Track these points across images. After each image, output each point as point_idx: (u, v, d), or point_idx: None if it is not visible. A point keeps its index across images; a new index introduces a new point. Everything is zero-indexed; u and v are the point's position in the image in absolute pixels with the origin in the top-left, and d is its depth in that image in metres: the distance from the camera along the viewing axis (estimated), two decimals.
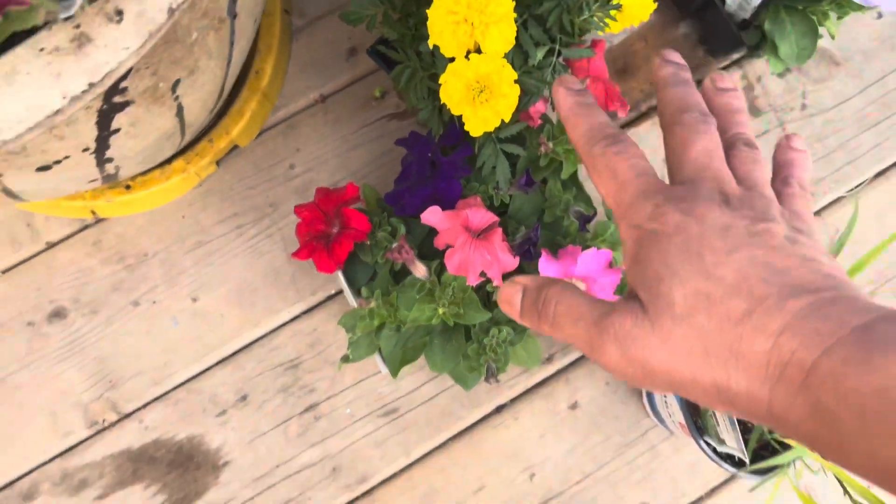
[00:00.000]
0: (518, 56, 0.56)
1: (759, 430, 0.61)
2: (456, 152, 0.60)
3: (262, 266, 0.75)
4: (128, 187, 0.72)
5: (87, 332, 0.74)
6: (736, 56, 0.80)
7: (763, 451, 0.62)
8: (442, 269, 0.58)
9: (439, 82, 0.51)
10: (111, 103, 0.44)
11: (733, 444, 0.58)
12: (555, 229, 0.63)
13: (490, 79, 0.50)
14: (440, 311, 0.58)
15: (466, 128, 0.52)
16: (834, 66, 0.81)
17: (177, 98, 0.50)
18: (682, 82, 0.29)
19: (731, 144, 0.28)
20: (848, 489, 0.58)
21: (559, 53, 0.55)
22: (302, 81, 0.78)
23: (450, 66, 0.50)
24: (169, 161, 0.72)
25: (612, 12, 0.55)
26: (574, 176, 0.63)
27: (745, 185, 0.26)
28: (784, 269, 0.23)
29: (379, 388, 0.75)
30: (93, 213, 0.74)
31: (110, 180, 0.57)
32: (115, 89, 0.42)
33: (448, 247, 0.56)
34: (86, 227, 0.75)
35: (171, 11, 0.38)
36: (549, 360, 0.76)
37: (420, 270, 0.58)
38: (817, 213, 0.80)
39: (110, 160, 0.52)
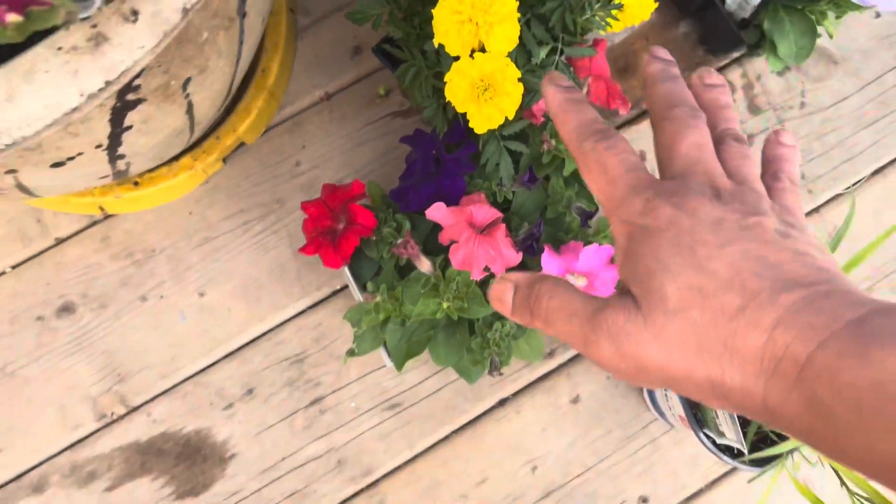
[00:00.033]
0: (521, 55, 0.57)
1: (758, 423, 0.62)
2: (460, 149, 0.61)
3: (268, 262, 0.76)
4: (136, 184, 0.73)
5: (95, 327, 0.75)
6: (736, 55, 0.81)
7: (761, 443, 0.63)
8: (446, 264, 0.59)
9: (444, 80, 0.52)
10: (124, 101, 0.45)
11: (732, 436, 0.59)
12: (557, 225, 0.64)
13: (494, 77, 0.51)
14: (445, 305, 0.59)
15: (471, 125, 0.53)
16: (832, 64, 0.82)
17: (187, 96, 0.51)
18: (670, 78, 0.29)
19: (721, 140, 0.28)
20: (845, 480, 0.59)
21: (562, 52, 0.56)
22: (307, 79, 0.79)
23: (455, 64, 0.51)
24: (176, 158, 0.73)
25: (614, 12, 0.56)
26: (576, 173, 0.65)
27: (735, 179, 0.26)
28: (776, 263, 0.23)
29: (383, 382, 0.76)
30: (101, 209, 0.75)
31: (121, 176, 0.58)
32: (128, 87, 0.43)
33: (452, 242, 0.57)
34: (94, 223, 0.76)
35: (186, 11, 0.39)
36: (551, 354, 0.77)
37: (425, 265, 0.59)
38: (816, 209, 0.81)
39: (122, 157, 0.53)
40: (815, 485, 0.71)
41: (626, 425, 0.77)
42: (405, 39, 0.61)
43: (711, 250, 0.23)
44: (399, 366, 0.63)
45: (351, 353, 0.64)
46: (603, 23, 0.56)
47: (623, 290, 0.25)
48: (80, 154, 0.48)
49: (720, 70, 0.81)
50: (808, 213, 0.81)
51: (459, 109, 0.52)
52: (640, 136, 0.79)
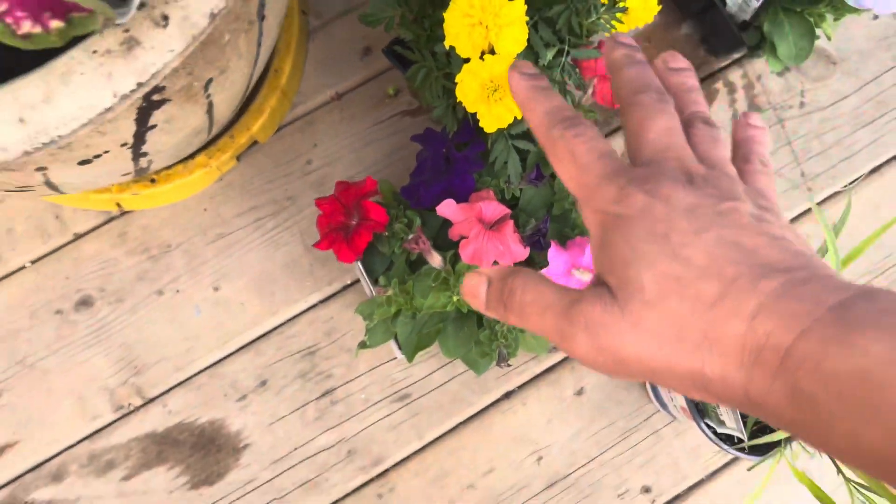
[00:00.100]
0: (529, 56, 0.59)
1: None
2: (469, 148, 0.63)
3: (281, 257, 0.78)
4: (152, 181, 0.75)
5: (112, 320, 0.77)
6: (736, 56, 0.83)
7: (761, 432, 0.65)
8: (456, 258, 0.61)
9: (455, 81, 0.54)
10: (150, 101, 0.47)
11: (732, 424, 0.61)
12: (563, 221, 0.66)
13: (504, 78, 0.53)
14: (454, 298, 0.61)
15: (481, 125, 0.55)
16: (831, 65, 0.84)
17: (208, 96, 0.53)
18: (636, 63, 0.28)
19: (690, 123, 0.27)
20: (841, 468, 0.61)
21: (568, 53, 0.58)
22: (318, 79, 0.81)
23: (465, 66, 0.53)
24: (192, 156, 0.75)
25: (619, 15, 0.58)
26: None
27: (707, 163, 0.26)
28: (753, 249, 0.22)
29: (392, 375, 0.78)
30: (118, 205, 0.77)
31: (142, 174, 0.60)
32: (155, 88, 0.45)
33: (462, 238, 0.59)
34: (112, 219, 0.78)
35: (213, 16, 0.41)
36: (556, 347, 0.79)
37: (435, 260, 0.61)
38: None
39: (145, 154, 0.55)
40: (814, 474, 0.73)
41: (628, 417, 0.79)
42: (416, 41, 0.63)
43: (687, 237, 0.23)
44: (410, 357, 0.65)
45: (363, 345, 0.66)
46: (608, 25, 0.58)
47: (598, 281, 0.25)
48: (106, 152, 0.50)
49: (721, 70, 0.83)
50: (808, 211, 0.83)
51: (470, 109, 0.54)
52: None
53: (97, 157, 0.50)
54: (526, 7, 0.53)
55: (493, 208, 0.59)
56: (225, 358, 0.77)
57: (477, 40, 0.53)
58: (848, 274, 0.79)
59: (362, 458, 0.77)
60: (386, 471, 0.77)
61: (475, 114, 0.55)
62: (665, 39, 0.83)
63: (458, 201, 0.59)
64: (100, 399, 0.76)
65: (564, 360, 0.79)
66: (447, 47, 0.54)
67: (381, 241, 0.64)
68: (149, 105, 0.48)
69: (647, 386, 0.78)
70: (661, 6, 0.62)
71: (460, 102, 0.55)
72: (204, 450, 0.76)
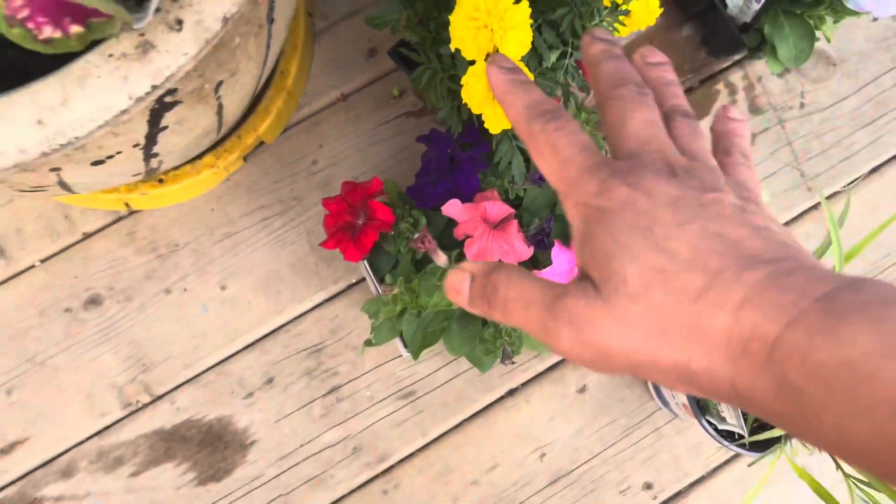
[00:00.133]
0: (533, 59, 0.60)
1: None
2: (474, 149, 0.64)
3: (287, 256, 0.79)
4: (160, 181, 0.76)
5: (121, 319, 0.78)
6: (737, 57, 0.84)
7: (761, 428, 0.66)
8: (461, 257, 0.62)
9: (460, 83, 0.55)
10: (162, 103, 0.48)
11: (733, 421, 0.62)
12: (566, 221, 0.67)
13: None
14: None
15: (486, 126, 0.56)
16: (831, 66, 0.84)
17: (219, 98, 0.54)
18: (614, 57, 0.28)
19: (670, 116, 0.27)
20: (841, 464, 0.62)
21: (571, 56, 0.59)
22: (324, 81, 0.82)
23: (471, 68, 0.54)
24: (200, 156, 0.76)
25: (621, 18, 0.59)
26: None
27: (688, 155, 0.25)
28: (737, 240, 0.22)
29: (397, 372, 0.79)
30: (127, 205, 0.78)
31: (152, 174, 0.61)
32: (168, 90, 0.46)
33: (467, 237, 0.60)
34: (120, 219, 0.79)
35: (226, 20, 0.42)
36: None
37: (441, 259, 0.62)
38: (815, 206, 0.84)
39: (156, 155, 0.56)
40: (814, 470, 0.74)
41: (630, 414, 0.80)
42: (421, 43, 0.64)
43: (670, 230, 0.23)
44: (415, 355, 0.66)
45: (368, 343, 0.67)
46: (611, 28, 0.59)
47: (582, 276, 0.24)
48: (118, 153, 0.51)
49: (722, 72, 0.84)
50: (808, 210, 0.83)
51: (475, 111, 0.55)
52: None
53: (110, 157, 0.51)
54: (530, 10, 0.53)
55: (497, 208, 0.60)
56: (232, 356, 0.78)
57: (482, 43, 0.54)
58: (846, 273, 0.80)
59: (367, 455, 0.78)
60: (391, 467, 0.78)
61: (480, 115, 0.56)
62: (666, 41, 0.84)
63: (462, 201, 0.60)
64: (108, 396, 0.77)
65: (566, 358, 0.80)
66: (452, 49, 0.55)
67: (386, 241, 0.65)
68: (161, 107, 0.48)
69: (649, 384, 0.79)
70: (662, 9, 0.63)
71: (465, 104, 0.56)
72: (211, 446, 0.77)
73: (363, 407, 0.78)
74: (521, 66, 0.54)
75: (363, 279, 0.80)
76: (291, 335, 0.79)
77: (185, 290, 0.79)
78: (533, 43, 0.57)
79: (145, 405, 0.78)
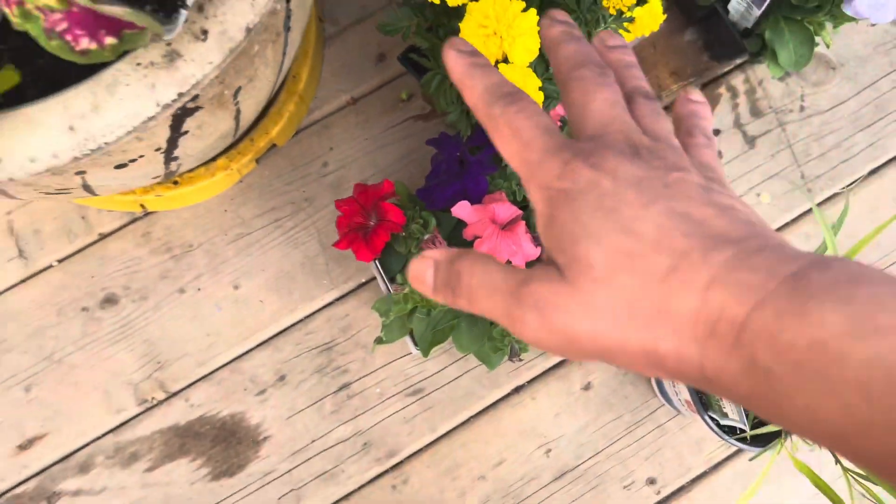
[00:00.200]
0: (540, 65, 0.61)
1: None
2: (482, 152, 0.66)
3: (299, 256, 0.81)
4: (175, 183, 0.78)
5: (136, 317, 0.80)
6: (738, 61, 0.86)
7: (763, 423, 0.68)
8: None
9: None
10: (185, 108, 0.50)
11: (735, 415, 0.64)
12: None
13: (518, 85, 0.56)
14: None
15: None
16: (830, 70, 0.86)
17: (237, 103, 0.56)
18: (574, 39, 0.28)
19: (631, 98, 0.27)
20: (840, 459, 0.64)
21: None
22: (334, 85, 0.84)
23: None
24: (214, 159, 0.77)
25: (626, 24, 0.61)
26: None
27: (650, 136, 0.25)
28: (703, 220, 0.22)
29: (406, 370, 0.81)
30: (142, 206, 0.80)
31: (170, 176, 0.63)
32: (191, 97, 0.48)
33: (476, 237, 0.62)
34: (135, 220, 0.81)
35: (249, 31, 0.43)
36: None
37: None
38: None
39: (176, 158, 0.57)
40: (813, 465, 0.76)
41: (634, 411, 0.82)
42: (431, 49, 0.66)
43: (636, 210, 0.22)
44: (425, 353, 0.67)
45: (379, 340, 0.69)
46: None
47: (547, 261, 0.24)
48: (141, 156, 0.53)
49: (724, 75, 0.86)
50: (808, 212, 0.85)
51: None
52: None
53: (132, 161, 0.53)
54: (538, 18, 0.55)
55: (505, 209, 0.62)
56: (245, 353, 0.80)
57: (491, 49, 0.56)
58: None
59: (377, 450, 0.80)
60: (400, 462, 0.80)
61: None
62: (669, 46, 0.86)
63: (472, 203, 0.62)
64: (124, 393, 0.79)
65: None
66: None
67: (397, 241, 0.67)
68: (183, 112, 0.50)
69: (653, 381, 0.81)
70: (665, 15, 0.64)
71: None
72: (225, 442, 0.79)
73: (373, 403, 0.80)
74: (529, 71, 0.57)
75: (372, 279, 0.81)
76: (303, 333, 0.81)
77: (199, 289, 0.80)
78: (541, 49, 0.59)
79: (160, 402, 0.79)
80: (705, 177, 0.24)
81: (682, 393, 0.72)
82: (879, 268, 0.20)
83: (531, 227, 0.64)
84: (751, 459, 0.64)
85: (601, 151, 0.24)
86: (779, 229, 0.85)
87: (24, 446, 0.78)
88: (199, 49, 0.43)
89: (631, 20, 0.62)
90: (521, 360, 0.66)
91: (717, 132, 0.85)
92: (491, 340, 0.67)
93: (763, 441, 0.67)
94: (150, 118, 0.43)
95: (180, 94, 0.43)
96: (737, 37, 0.79)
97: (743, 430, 0.66)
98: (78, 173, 0.52)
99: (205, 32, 0.43)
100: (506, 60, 0.57)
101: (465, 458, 0.80)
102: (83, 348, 0.79)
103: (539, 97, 0.56)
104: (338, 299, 0.81)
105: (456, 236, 0.68)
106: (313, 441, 0.80)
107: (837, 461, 0.64)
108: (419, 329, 0.68)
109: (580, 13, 0.61)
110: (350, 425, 0.80)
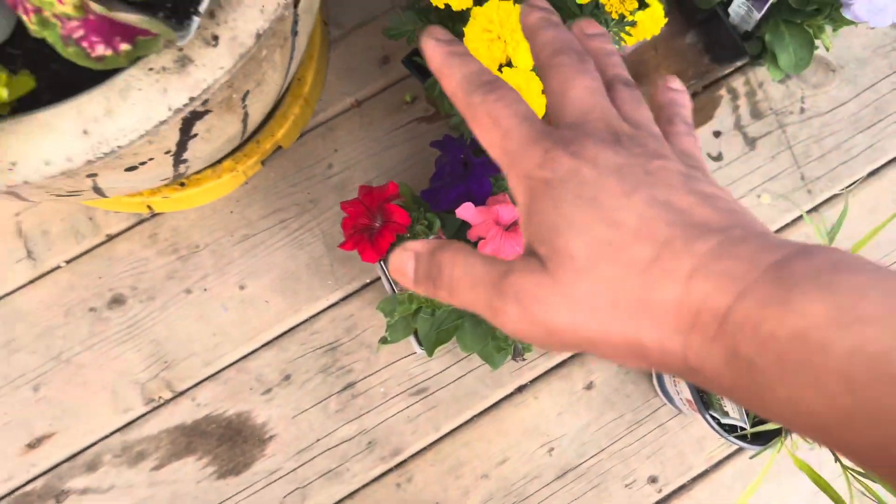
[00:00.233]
0: None
1: None
2: (486, 154, 0.67)
3: (304, 257, 0.82)
4: (182, 184, 0.79)
5: (143, 318, 0.81)
6: (739, 64, 0.86)
7: (763, 421, 0.69)
8: None
9: None
10: (195, 112, 0.51)
11: (736, 414, 0.65)
12: None
13: (520, 90, 0.57)
14: None
15: None
16: (830, 72, 0.87)
17: (245, 106, 0.57)
18: (553, 25, 0.27)
19: (611, 86, 0.27)
20: (840, 457, 0.65)
21: None
22: (339, 87, 0.85)
23: None
24: (220, 161, 0.78)
25: (628, 28, 0.62)
26: None
27: (631, 124, 0.25)
28: (686, 209, 0.22)
29: (410, 369, 0.82)
30: (149, 208, 0.81)
31: (178, 178, 0.64)
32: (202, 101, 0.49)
33: (480, 239, 0.63)
34: (142, 221, 0.82)
35: (258, 36, 0.44)
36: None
37: None
38: (815, 208, 0.86)
39: (185, 161, 0.58)
40: (813, 463, 0.76)
41: (636, 410, 0.83)
42: None
43: (617, 199, 0.22)
44: (430, 352, 0.68)
45: (384, 340, 0.70)
46: (618, 38, 0.61)
47: (528, 251, 0.23)
48: (151, 159, 0.54)
49: (725, 78, 0.87)
50: (808, 212, 0.86)
51: None
52: None
53: (143, 163, 0.54)
54: None
55: (509, 211, 0.63)
56: (251, 353, 0.81)
57: (495, 53, 0.57)
58: None
59: (382, 449, 0.81)
60: (404, 461, 0.81)
61: None
62: (670, 49, 0.87)
63: (476, 204, 0.63)
64: (132, 392, 0.80)
65: (575, 355, 0.83)
66: None
67: (402, 242, 0.67)
68: (193, 116, 0.51)
69: (654, 380, 0.82)
70: (667, 18, 0.65)
71: None
72: (231, 441, 0.80)
73: (377, 403, 0.81)
74: (533, 75, 0.57)
75: (377, 279, 0.82)
76: (308, 333, 0.81)
77: (205, 289, 0.81)
78: None
79: (167, 401, 0.80)
80: (687, 164, 0.24)
81: (683, 392, 0.73)
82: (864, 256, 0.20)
83: None
84: (751, 458, 0.65)
85: (581, 139, 0.23)
86: (779, 230, 0.86)
87: (32, 445, 0.79)
88: (210, 54, 0.44)
89: (633, 24, 0.62)
90: (524, 359, 0.67)
91: (717, 134, 0.86)
92: (495, 340, 0.68)
93: (763, 439, 0.68)
94: (162, 122, 0.44)
95: (191, 99, 0.44)
96: (737, 40, 0.79)
97: (743, 429, 0.66)
98: (89, 176, 0.53)
99: (216, 38, 0.44)
100: (510, 64, 0.58)
101: (469, 456, 0.81)
102: (91, 348, 0.80)
103: (542, 100, 0.57)
104: (342, 300, 0.82)
105: (460, 237, 0.69)
106: (318, 440, 0.80)
107: (837, 459, 0.65)
108: (423, 329, 0.69)
109: (583, 16, 0.61)
110: (355, 424, 0.81)
